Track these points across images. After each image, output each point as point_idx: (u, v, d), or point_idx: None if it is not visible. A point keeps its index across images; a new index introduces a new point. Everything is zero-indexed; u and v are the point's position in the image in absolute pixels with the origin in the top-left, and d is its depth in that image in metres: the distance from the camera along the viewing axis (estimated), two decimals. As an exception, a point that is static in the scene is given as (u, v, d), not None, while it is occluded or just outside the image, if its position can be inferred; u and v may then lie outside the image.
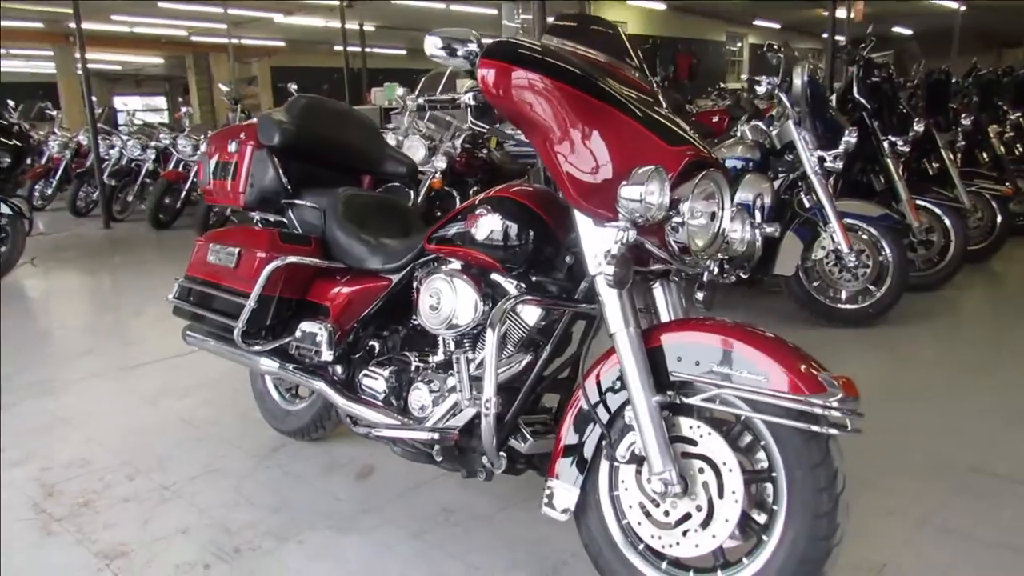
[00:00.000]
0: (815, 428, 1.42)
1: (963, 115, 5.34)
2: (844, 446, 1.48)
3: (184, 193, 7.77)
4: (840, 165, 3.75)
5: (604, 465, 1.69)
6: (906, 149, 4.36)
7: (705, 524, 1.53)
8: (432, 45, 1.61)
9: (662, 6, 18.23)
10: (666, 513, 1.57)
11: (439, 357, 2.00)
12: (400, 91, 7.18)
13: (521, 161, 6.25)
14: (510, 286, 1.82)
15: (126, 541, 2.06)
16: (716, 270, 1.84)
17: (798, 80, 3.72)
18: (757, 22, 20.99)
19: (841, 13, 10.16)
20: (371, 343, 2.22)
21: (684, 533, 1.56)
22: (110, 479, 2.43)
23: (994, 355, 3.50)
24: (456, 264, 1.90)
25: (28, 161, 8.43)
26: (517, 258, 1.76)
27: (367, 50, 15.73)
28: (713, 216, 1.66)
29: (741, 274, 3.73)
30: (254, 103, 17.73)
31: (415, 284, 2.04)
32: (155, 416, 2.96)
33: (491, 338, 1.69)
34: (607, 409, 1.66)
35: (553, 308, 1.81)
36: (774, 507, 1.50)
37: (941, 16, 15.68)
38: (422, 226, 2.32)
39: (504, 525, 2.09)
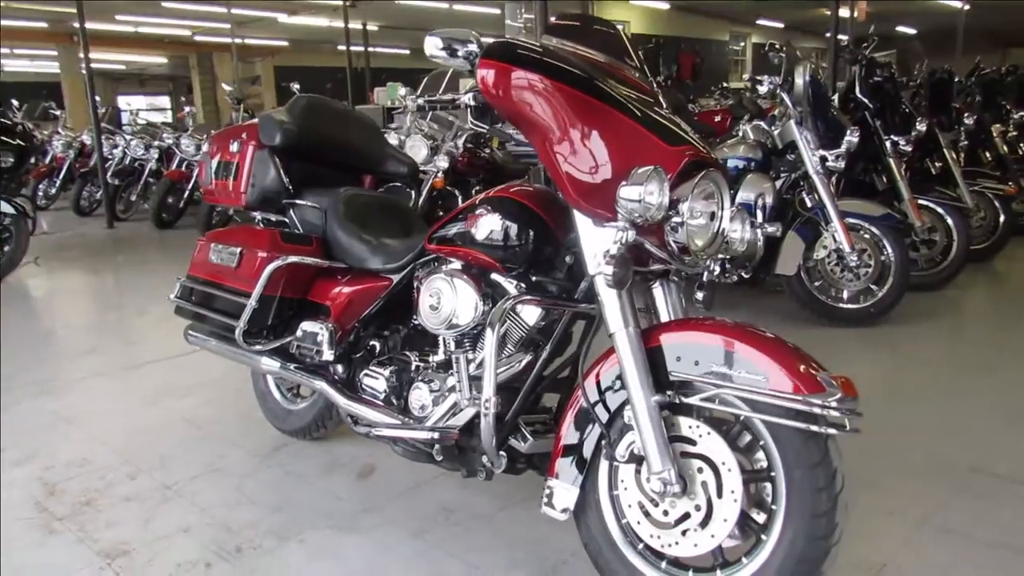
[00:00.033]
0: (814, 428, 1.42)
1: (966, 114, 5.34)
2: (844, 446, 1.48)
3: (187, 193, 7.78)
4: (842, 164, 3.75)
5: (604, 464, 1.69)
6: (908, 149, 4.35)
7: (704, 523, 1.53)
8: (432, 46, 1.62)
9: (665, 6, 18.22)
10: (665, 512, 1.58)
11: (439, 357, 2.01)
12: (402, 91, 7.19)
13: (523, 161, 6.25)
14: (510, 286, 1.82)
15: (128, 540, 2.07)
16: (718, 270, 1.84)
17: (800, 80, 3.71)
18: (761, 21, 20.96)
19: (844, 12, 10.15)
20: (372, 343, 2.22)
21: (683, 532, 1.56)
22: (112, 478, 2.44)
23: (996, 355, 3.49)
24: (456, 264, 1.90)
25: (32, 161, 8.46)
26: (517, 258, 1.76)
27: (370, 50, 15.72)
28: (712, 216, 1.66)
29: (743, 274, 3.77)
30: (257, 103, 17.76)
31: (415, 284, 2.05)
32: (157, 415, 2.97)
33: (490, 338, 1.70)
34: (606, 409, 1.66)
35: (553, 308, 1.81)
36: (773, 507, 1.50)
37: (945, 15, 15.63)
38: (423, 226, 2.33)
39: (504, 524, 2.10)
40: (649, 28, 18.62)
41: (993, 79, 6.22)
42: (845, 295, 3.86)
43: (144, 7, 14.75)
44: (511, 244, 1.75)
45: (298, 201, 2.38)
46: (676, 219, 1.57)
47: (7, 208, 5.46)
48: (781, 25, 21.41)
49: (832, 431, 1.43)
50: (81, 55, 8.33)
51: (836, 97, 4.79)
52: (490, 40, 1.62)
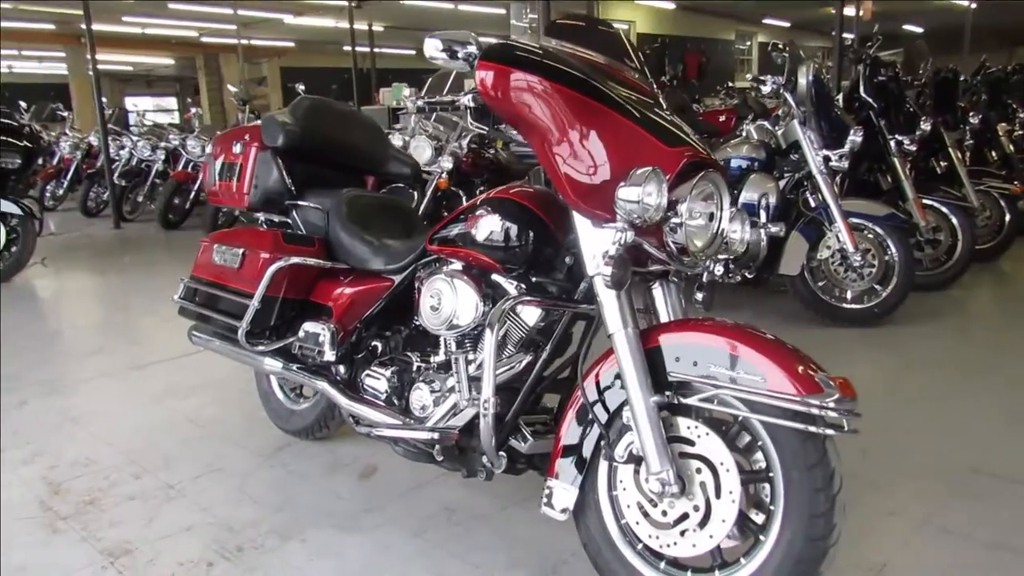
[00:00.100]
0: (812, 428, 1.42)
1: (971, 113, 5.32)
2: (845, 446, 1.49)
3: (193, 193, 7.82)
4: (846, 164, 3.75)
5: (603, 465, 1.69)
6: (913, 148, 4.34)
7: (702, 524, 1.53)
8: (432, 47, 1.62)
9: (671, 5, 18.20)
10: (664, 513, 1.58)
11: (440, 357, 2.01)
12: (407, 91, 7.20)
13: (527, 161, 6.25)
14: (510, 287, 1.83)
15: (130, 539, 2.08)
16: (721, 270, 1.84)
17: (803, 79, 3.71)
18: (767, 20, 20.92)
19: (850, 11, 10.10)
20: (374, 343, 2.23)
21: (682, 533, 1.56)
22: (116, 477, 2.46)
23: (1000, 355, 3.48)
24: (457, 265, 1.91)
25: (39, 162, 8.52)
26: (517, 259, 1.77)
27: (376, 50, 15.79)
28: (712, 217, 1.66)
29: (746, 274, 3.78)
30: (264, 103, 17.83)
31: (417, 285, 2.06)
32: (162, 415, 2.99)
33: (489, 338, 1.71)
34: (606, 409, 1.66)
35: (552, 308, 1.81)
36: (771, 507, 1.50)
37: (952, 14, 15.58)
38: (425, 227, 2.34)
39: (505, 524, 2.11)
40: (655, 28, 18.60)
41: (999, 78, 6.20)
42: (849, 295, 3.85)
43: (151, 8, 14.82)
44: (511, 245, 1.76)
45: (301, 202, 2.40)
46: (675, 220, 1.57)
47: (14, 209, 5.50)
48: (787, 24, 21.37)
49: (830, 432, 1.43)
50: (88, 56, 8.36)
51: (841, 96, 4.79)
52: (490, 41, 1.62)
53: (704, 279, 1.80)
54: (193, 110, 10.01)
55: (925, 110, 4.89)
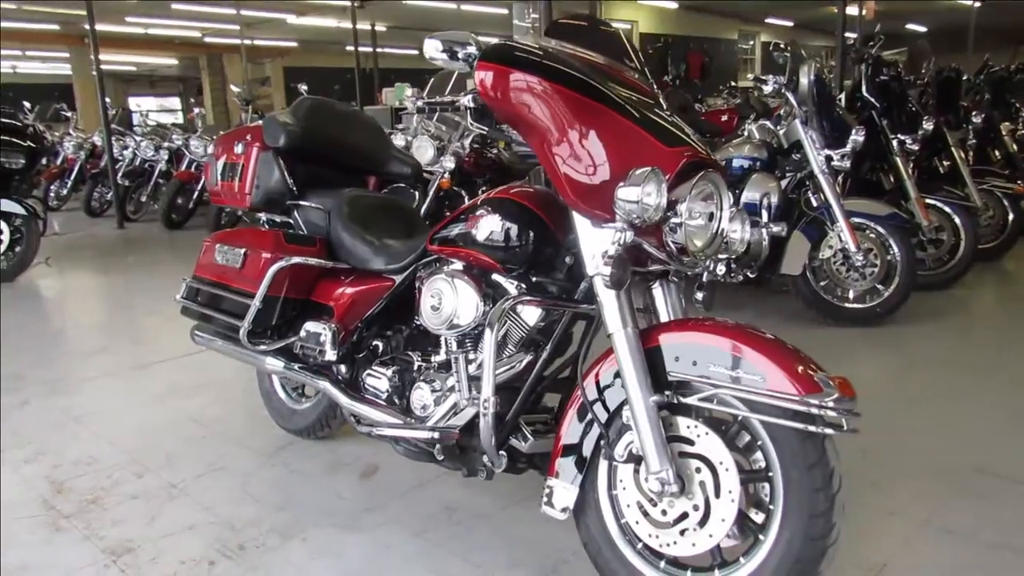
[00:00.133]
0: (811, 428, 1.43)
1: (975, 113, 5.31)
2: (847, 446, 1.49)
3: (196, 193, 7.84)
4: (847, 164, 3.74)
5: (603, 464, 1.70)
6: (915, 147, 4.33)
7: (702, 523, 1.54)
8: (432, 48, 1.63)
9: (674, 5, 18.17)
10: (663, 512, 1.58)
11: (441, 357, 2.02)
12: (409, 91, 7.20)
13: (530, 161, 6.25)
14: (510, 286, 1.83)
15: (133, 538, 2.09)
16: (723, 270, 1.84)
17: (804, 79, 3.71)
18: (770, 20, 20.87)
19: (853, 10, 10.09)
20: (375, 343, 2.24)
21: (681, 532, 1.56)
22: (119, 476, 2.47)
23: (1003, 355, 3.47)
24: (458, 265, 1.91)
25: (44, 162, 8.54)
26: (517, 259, 1.77)
27: (379, 50, 15.80)
28: (711, 217, 1.66)
29: (748, 273, 3.77)
30: (267, 103, 17.86)
31: (417, 284, 2.06)
32: (164, 414, 3.00)
33: (489, 338, 1.71)
34: (606, 408, 1.67)
35: (553, 308, 1.82)
36: (771, 507, 1.50)
37: (956, 13, 15.54)
38: (426, 227, 2.34)
39: (505, 523, 2.11)
40: (658, 27, 18.59)
41: (1002, 77, 6.18)
42: (851, 295, 3.85)
43: (154, 9, 14.84)
44: (511, 245, 1.76)
45: (302, 202, 2.40)
46: (674, 220, 1.57)
47: (18, 209, 5.52)
48: (790, 23, 21.32)
49: (829, 431, 1.43)
50: (92, 57, 8.38)
51: (843, 96, 4.78)
52: (490, 41, 1.63)
53: (704, 279, 1.81)
54: (196, 110, 10.04)
55: (928, 109, 4.89)
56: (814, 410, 1.40)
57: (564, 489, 1.69)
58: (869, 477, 2.27)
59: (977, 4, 14.23)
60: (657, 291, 1.78)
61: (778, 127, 3.91)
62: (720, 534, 1.51)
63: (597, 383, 1.68)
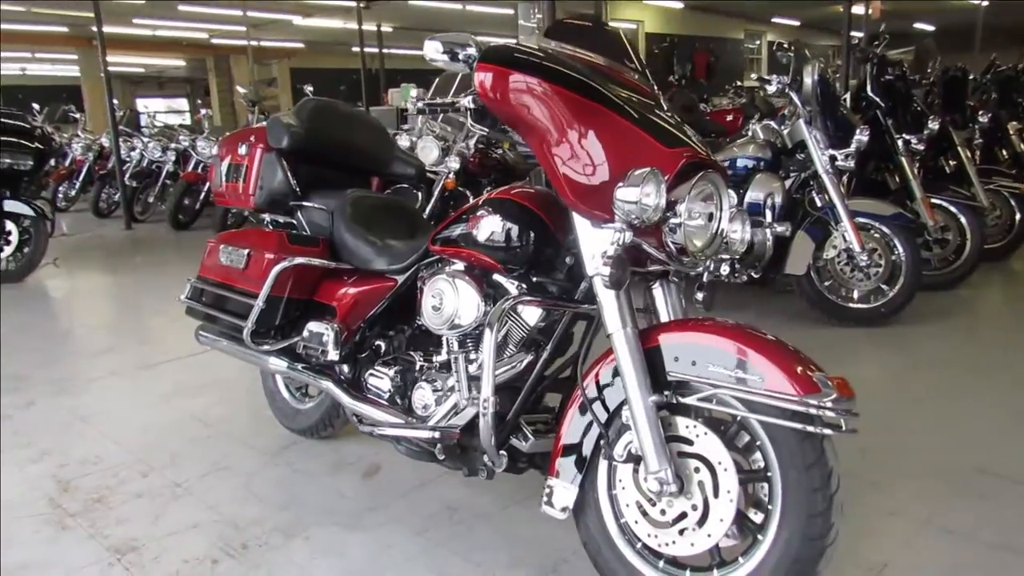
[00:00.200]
0: (809, 428, 1.43)
1: (981, 112, 5.28)
2: (849, 446, 1.49)
3: (203, 194, 7.87)
4: (852, 164, 3.74)
5: (603, 464, 1.70)
6: (921, 147, 4.32)
7: (700, 523, 1.54)
8: (432, 49, 1.64)
9: (679, 5, 18.15)
10: (662, 512, 1.59)
11: (443, 357, 2.02)
12: (414, 92, 7.22)
13: (534, 162, 6.26)
14: (511, 287, 1.84)
15: (137, 536, 2.11)
16: (727, 270, 1.84)
17: (808, 79, 3.71)
18: (776, 19, 20.83)
19: (859, 10, 10.06)
20: (377, 343, 2.25)
21: (680, 532, 1.57)
22: (124, 475, 2.48)
23: (1008, 355, 3.46)
24: (459, 265, 1.92)
25: (52, 163, 8.60)
26: (518, 259, 1.78)
27: (385, 51, 15.81)
28: (711, 217, 1.67)
29: (752, 274, 3.76)
30: (274, 104, 17.91)
31: (419, 285, 2.07)
32: (170, 414, 3.01)
33: (489, 338, 1.72)
34: (605, 408, 1.67)
35: (553, 308, 1.82)
36: (769, 507, 1.50)
37: (964, 12, 15.46)
38: (428, 227, 2.35)
39: (506, 523, 2.12)
40: (663, 27, 18.57)
41: (1009, 76, 6.15)
42: (855, 295, 3.84)
43: (161, 11, 14.90)
44: (512, 245, 1.77)
45: (305, 203, 2.41)
46: (674, 220, 1.58)
47: (26, 210, 5.57)
48: (797, 23, 21.27)
49: (828, 431, 1.44)
50: (100, 59, 8.42)
51: (848, 95, 4.77)
52: (490, 42, 1.64)
53: (704, 279, 1.81)
54: (203, 111, 10.07)
55: (934, 109, 4.87)
56: (812, 410, 1.40)
57: (564, 489, 1.69)
58: (870, 477, 2.27)
59: (985, 3, 14.16)
60: (657, 291, 1.79)
61: (782, 127, 3.91)
62: (718, 534, 1.52)
63: (597, 383, 1.69)
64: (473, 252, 1.83)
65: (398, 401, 2.10)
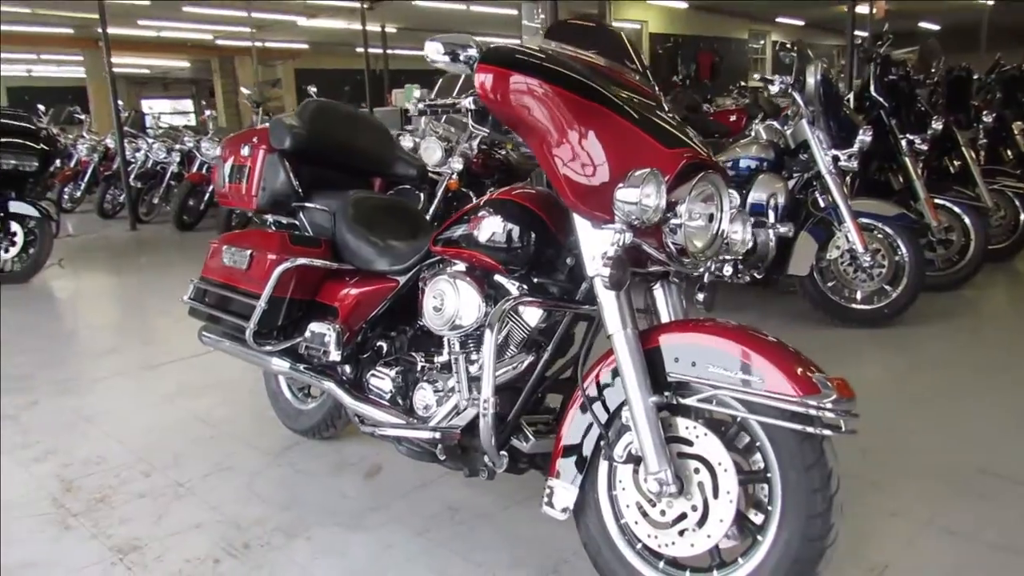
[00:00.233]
0: (809, 429, 1.43)
1: (985, 112, 5.27)
2: (849, 446, 1.48)
3: (207, 195, 7.88)
4: (855, 164, 3.73)
5: (603, 465, 1.70)
6: (924, 147, 4.31)
7: (700, 524, 1.54)
8: (433, 50, 1.64)
9: (684, 5, 18.13)
10: (662, 513, 1.59)
11: (444, 358, 2.02)
12: (417, 92, 7.23)
13: (537, 162, 6.25)
14: (512, 287, 1.84)
15: (139, 536, 2.11)
16: (730, 270, 1.85)
17: (811, 79, 3.70)
18: (780, 19, 20.78)
19: (864, 9, 10.04)
20: (379, 343, 2.25)
21: (680, 532, 1.57)
22: (127, 475, 2.49)
23: (1011, 356, 3.45)
24: (460, 266, 1.92)
25: (57, 164, 8.62)
26: (519, 260, 1.78)
27: (389, 52, 15.85)
28: (711, 218, 1.67)
29: (755, 274, 3.76)
30: (278, 105, 17.95)
31: (421, 285, 2.08)
32: (173, 414, 3.02)
33: (489, 339, 1.72)
34: (606, 409, 1.67)
35: (554, 309, 1.83)
36: (769, 508, 1.50)
37: (970, 12, 15.42)
38: (430, 228, 2.36)
39: (507, 523, 2.12)
40: (667, 27, 18.55)
41: (1014, 76, 6.13)
42: (858, 296, 3.83)
43: (166, 12, 14.96)
44: (513, 246, 1.77)
45: (307, 204, 2.42)
46: (674, 221, 1.58)
47: (31, 211, 5.58)
48: (801, 23, 21.22)
49: (827, 432, 1.43)
50: (105, 60, 8.45)
51: (851, 96, 4.76)
52: (492, 43, 1.64)
53: (705, 280, 1.81)
54: (207, 112, 10.10)
55: (938, 109, 4.86)
56: (812, 411, 1.40)
57: (564, 489, 1.69)
58: (872, 477, 2.26)
59: (991, 2, 14.11)
60: (658, 292, 1.79)
61: (785, 127, 3.90)
62: (718, 535, 1.52)
63: (597, 384, 1.69)
64: (474, 253, 1.84)
65: (399, 402, 2.10)
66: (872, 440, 2.34)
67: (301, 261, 2.25)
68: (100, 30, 8.41)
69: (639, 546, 1.65)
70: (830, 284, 3.85)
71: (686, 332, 1.60)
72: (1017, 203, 4.95)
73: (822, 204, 3.74)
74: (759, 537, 1.52)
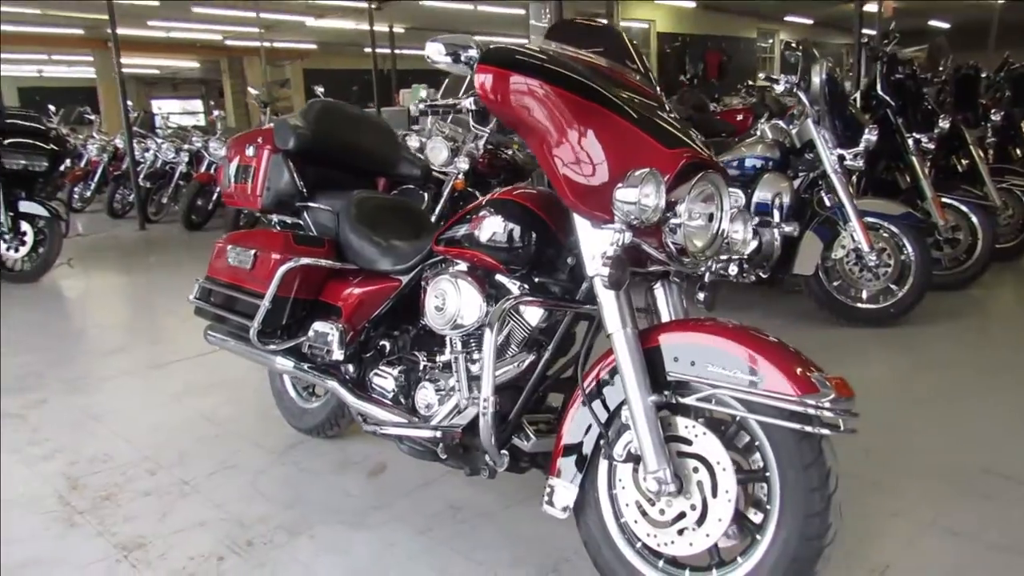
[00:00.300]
0: (807, 428, 1.43)
1: (994, 110, 5.23)
2: (850, 446, 1.48)
3: (216, 195, 7.91)
4: (861, 163, 3.72)
5: (603, 464, 1.71)
6: (931, 146, 4.29)
7: (699, 523, 1.55)
8: (434, 51, 1.65)
9: (691, 4, 18.08)
10: (661, 512, 1.59)
11: (446, 357, 2.03)
12: (423, 93, 7.24)
13: (543, 161, 6.25)
14: (513, 287, 1.85)
15: (144, 534, 2.13)
16: (735, 270, 1.85)
17: (816, 78, 3.69)
18: (788, 18, 20.70)
19: (872, 7, 9.98)
20: (382, 343, 2.26)
21: (679, 531, 1.57)
22: (132, 473, 2.51)
23: (1018, 356, 3.43)
24: (462, 265, 1.93)
25: (67, 164, 8.68)
26: (520, 259, 1.79)
27: (397, 52, 15.86)
28: (711, 217, 1.67)
29: (761, 273, 3.76)
30: (287, 105, 17.98)
31: (423, 285, 2.09)
32: (179, 413, 3.05)
33: (489, 338, 1.73)
34: (605, 408, 1.68)
35: (555, 309, 1.83)
36: (768, 507, 1.51)
37: (979, 10, 15.30)
38: (432, 228, 2.37)
39: (509, 522, 2.13)
40: (675, 27, 18.51)
41: (1022, 74, 6.08)
42: (864, 295, 3.82)
43: (175, 12, 15.02)
44: (514, 246, 1.78)
45: (311, 204, 2.44)
46: (674, 221, 1.58)
47: (41, 211, 5.63)
48: (810, 21, 21.14)
49: (826, 431, 1.44)
50: (114, 60, 8.50)
51: (858, 94, 4.74)
52: (491, 43, 1.65)
53: (706, 279, 1.81)
54: (216, 113, 10.15)
55: (945, 107, 4.83)
56: (810, 410, 1.41)
57: (565, 488, 1.70)
58: (874, 477, 2.26)
59: (1001, 0, 14.00)
60: (658, 291, 1.79)
61: (791, 126, 3.89)
62: (717, 534, 1.52)
63: (597, 383, 1.70)
64: (476, 253, 1.84)
65: (402, 401, 2.11)
66: (875, 440, 2.34)
67: (305, 261, 2.27)
68: (110, 31, 8.45)
69: (639, 545, 1.65)
70: (835, 283, 3.84)
71: (686, 331, 1.61)
72: (1025, 202, 4.92)
73: (828, 203, 3.74)
74: (758, 536, 1.52)
